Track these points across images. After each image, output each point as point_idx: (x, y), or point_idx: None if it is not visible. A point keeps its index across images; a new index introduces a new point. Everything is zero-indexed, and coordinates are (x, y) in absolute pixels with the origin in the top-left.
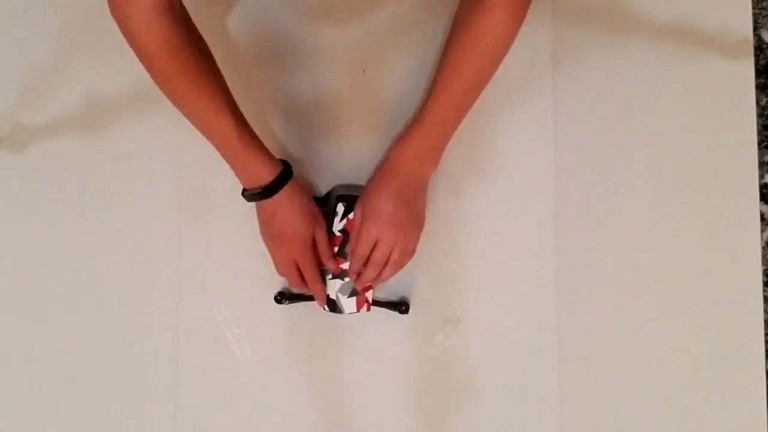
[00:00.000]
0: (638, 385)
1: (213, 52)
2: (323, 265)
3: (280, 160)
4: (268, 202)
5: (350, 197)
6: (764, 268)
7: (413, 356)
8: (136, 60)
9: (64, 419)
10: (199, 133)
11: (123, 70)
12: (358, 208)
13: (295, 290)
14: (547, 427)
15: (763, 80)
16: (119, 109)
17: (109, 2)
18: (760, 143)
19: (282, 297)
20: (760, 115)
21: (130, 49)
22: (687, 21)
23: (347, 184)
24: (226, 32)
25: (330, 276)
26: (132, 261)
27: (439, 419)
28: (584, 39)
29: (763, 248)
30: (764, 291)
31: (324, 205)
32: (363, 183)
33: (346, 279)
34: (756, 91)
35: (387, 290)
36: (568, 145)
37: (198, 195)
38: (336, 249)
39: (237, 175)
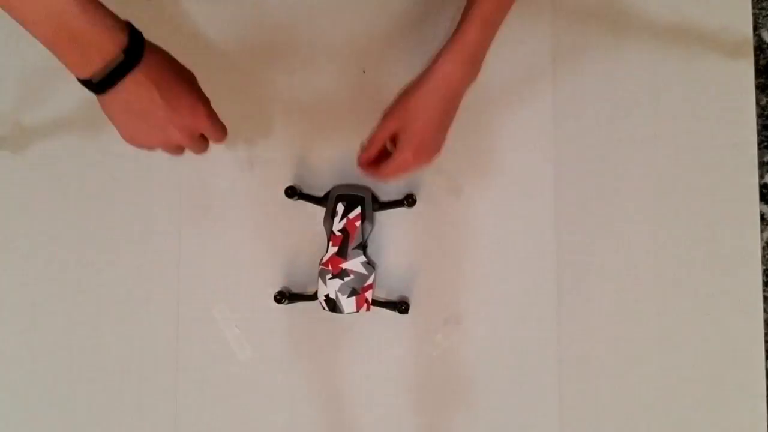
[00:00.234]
0: (638, 385)
1: (213, 51)
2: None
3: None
4: (135, 77)
5: (350, 197)
6: (764, 268)
7: (413, 356)
8: None
9: (65, 419)
10: None
11: None
12: (394, 114)
13: (295, 290)
14: (547, 427)
15: (763, 80)
16: None
17: None
18: (760, 143)
19: (282, 297)
20: (760, 115)
21: None
22: (687, 21)
23: (347, 184)
24: (226, 32)
25: (330, 276)
26: (132, 261)
27: (439, 419)
28: (584, 39)
29: (763, 248)
30: (764, 291)
31: (324, 205)
32: (363, 183)
33: (346, 279)
34: (756, 91)
35: (387, 290)
36: (568, 145)
37: (198, 195)
38: (336, 249)
39: (71, 59)
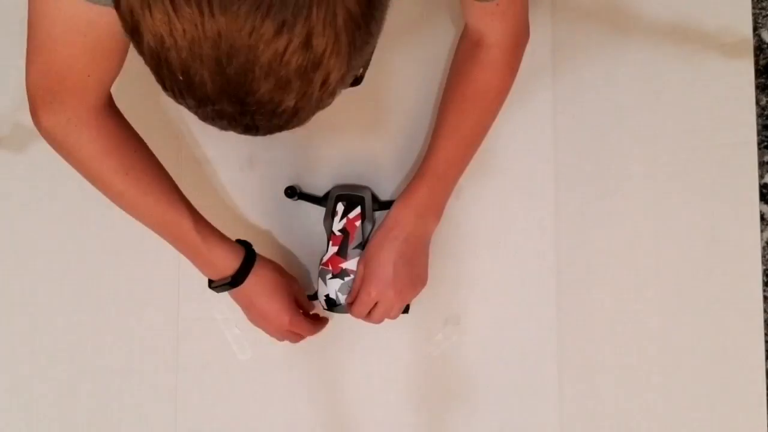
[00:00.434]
0: (638, 384)
1: None
2: (312, 309)
3: (239, 241)
4: (239, 290)
5: (350, 197)
6: (764, 268)
7: (413, 356)
8: (135, 59)
9: (65, 419)
10: (198, 133)
11: (122, 69)
12: (360, 264)
13: None
14: (547, 427)
15: (763, 80)
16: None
17: (34, 110)
18: (760, 143)
19: None
20: (760, 115)
21: (61, 155)
22: (687, 21)
23: (347, 184)
24: None
25: (330, 276)
26: (132, 261)
27: (439, 419)
28: (584, 39)
29: (763, 248)
30: (764, 291)
31: (324, 205)
32: (363, 183)
33: (346, 279)
34: (756, 91)
35: None
36: (568, 145)
37: (198, 195)
38: (336, 249)
39: (200, 268)
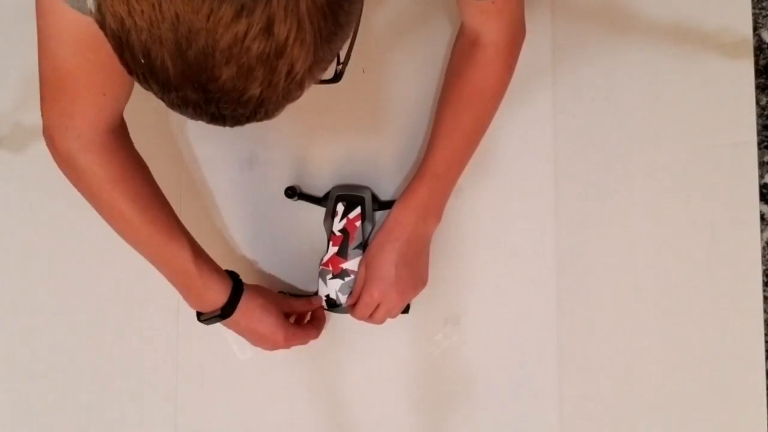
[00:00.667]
0: (638, 385)
1: None
2: (313, 305)
3: (227, 271)
4: (230, 320)
5: (350, 197)
6: (764, 268)
7: (413, 356)
8: None
9: (65, 419)
10: (198, 133)
11: None
12: (361, 266)
13: (296, 290)
14: (547, 426)
15: (763, 80)
16: None
17: (49, 135)
18: (760, 143)
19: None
20: (760, 115)
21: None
22: (687, 21)
23: (347, 184)
24: None
25: (330, 276)
26: (132, 261)
27: (439, 419)
28: (584, 39)
29: (763, 248)
30: (764, 291)
31: (324, 205)
32: (363, 183)
33: (346, 279)
34: (756, 91)
35: None
36: (568, 145)
37: (198, 195)
38: (336, 249)
39: (190, 300)
